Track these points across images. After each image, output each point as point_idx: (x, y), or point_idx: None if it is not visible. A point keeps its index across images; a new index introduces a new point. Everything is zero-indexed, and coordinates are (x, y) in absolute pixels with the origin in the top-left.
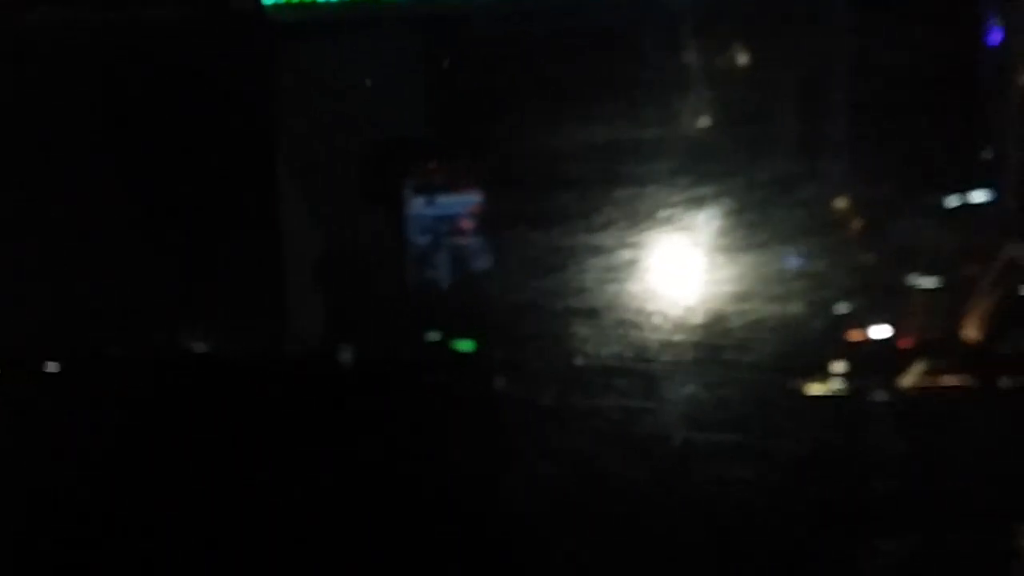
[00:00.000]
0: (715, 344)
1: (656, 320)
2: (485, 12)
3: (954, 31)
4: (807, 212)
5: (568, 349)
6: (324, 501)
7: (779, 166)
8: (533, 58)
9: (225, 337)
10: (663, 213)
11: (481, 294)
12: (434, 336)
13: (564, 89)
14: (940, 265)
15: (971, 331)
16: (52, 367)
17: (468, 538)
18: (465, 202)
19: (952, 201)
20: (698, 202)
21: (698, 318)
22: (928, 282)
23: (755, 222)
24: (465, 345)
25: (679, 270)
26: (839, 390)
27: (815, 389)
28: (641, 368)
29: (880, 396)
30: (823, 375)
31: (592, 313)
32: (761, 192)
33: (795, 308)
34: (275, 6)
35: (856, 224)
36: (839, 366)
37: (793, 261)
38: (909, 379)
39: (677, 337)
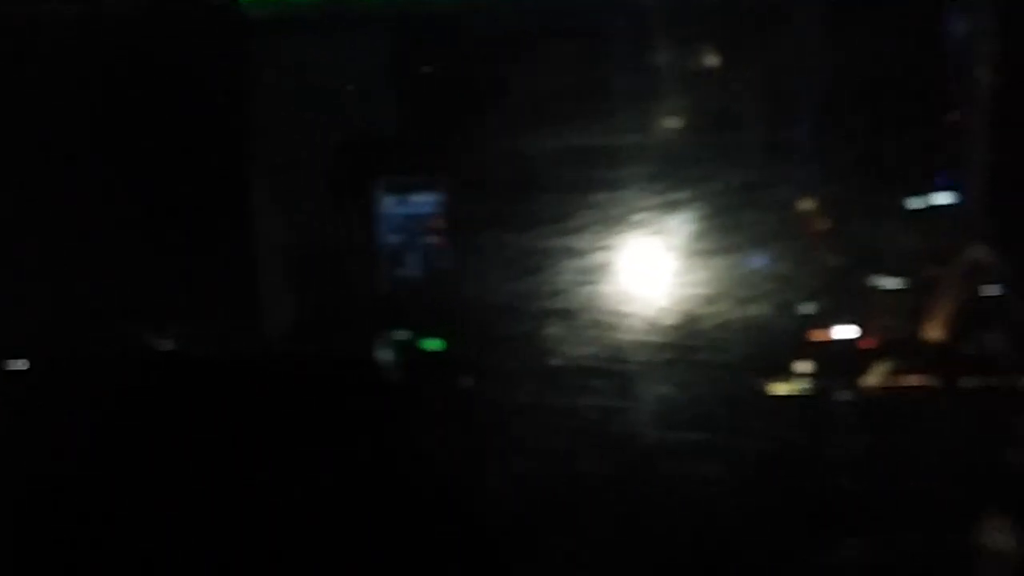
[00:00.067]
0: (685, 345)
1: (627, 321)
2: (461, 13)
3: (918, 35)
4: (774, 215)
5: (540, 349)
6: (295, 498)
7: (747, 171)
8: (510, 60)
9: (196, 335)
10: (635, 217)
11: (452, 294)
12: (404, 335)
13: (539, 93)
14: (904, 267)
15: (934, 332)
16: (20, 365)
17: (438, 536)
18: (437, 202)
19: (916, 203)
20: (669, 206)
21: (668, 320)
22: (892, 283)
23: (724, 226)
24: (435, 344)
25: (650, 273)
26: (805, 390)
27: (781, 389)
28: (613, 368)
29: (844, 396)
30: (789, 375)
31: (565, 314)
32: (730, 196)
33: (762, 309)
34: (249, 2)
35: (822, 226)
36: (805, 366)
37: (760, 263)
38: (873, 379)
39: (648, 338)
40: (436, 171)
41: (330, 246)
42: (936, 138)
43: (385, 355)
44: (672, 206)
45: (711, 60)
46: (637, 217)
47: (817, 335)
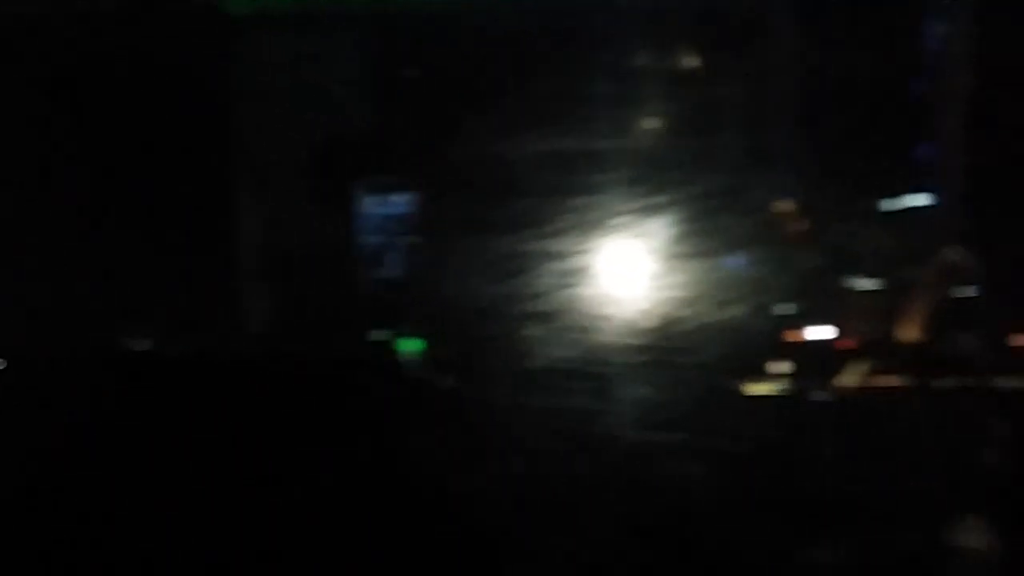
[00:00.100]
0: (664, 346)
1: (606, 324)
2: (443, 16)
3: (894, 40)
4: (752, 219)
5: (520, 350)
6: (275, 496)
7: (725, 175)
8: (492, 64)
9: (175, 335)
10: (615, 221)
11: (432, 294)
12: (384, 334)
13: (521, 96)
14: (880, 268)
15: (910, 332)
16: None
17: (414, 533)
18: (418, 203)
19: (891, 206)
20: (648, 210)
21: (648, 322)
22: (868, 285)
23: (702, 229)
24: (414, 344)
25: (629, 276)
26: (782, 390)
27: (759, 389)
28: (592, 370)
29: (821, 396)
30: (767, 376)
31: (545, 316)
32: (709, 200)
33: (740, 311)
34: (232, 2)
35: (799, 229)
36: (782, 367)
37: (738, 265)
38: (849, 379)
39: (627, 340)
40: (417, 173)
41: (311, 246)
42: (912, 142)
43: (365, 354)
44: (651, 210)
45: (690, 66)
46: (616, 221)
47: (794, 336)
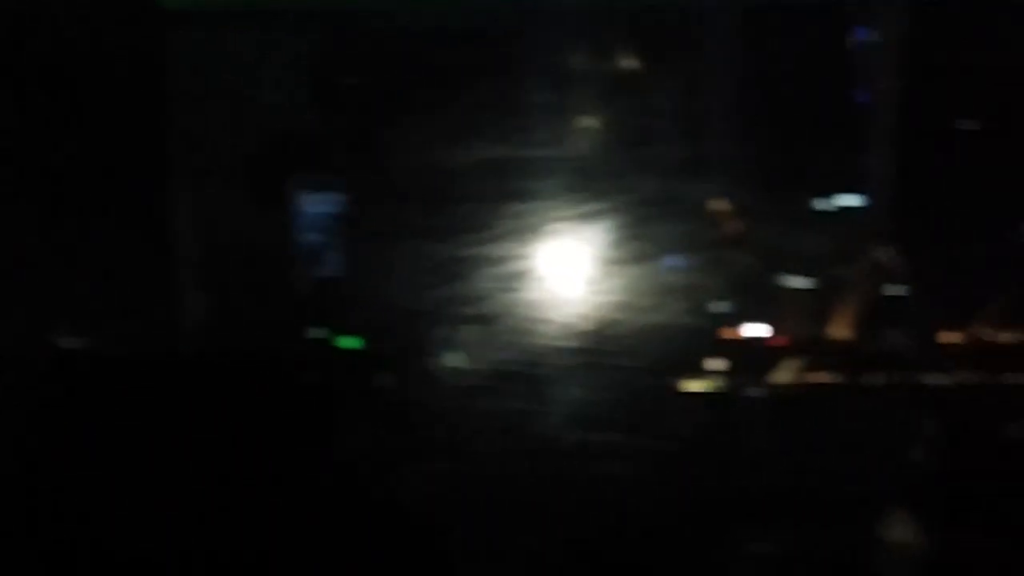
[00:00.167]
0: (600, 348)
1: (543, 327)
2: (381, 16)
3: (826, 45)
4: (686, 221)
5: (458, 351)
6: (211, 492)
7: (659, 178)
8: (425, 66)
9: (108, 334)
10: (551, 226)
11: (370, 293)
12: (321, 332)
13: (455, 100)
14: (812, 267)
15: (841, 330)
16: None
17: (350, 531)
18: (354, 202)
19: (823, 206)
20: (584, 216)
21: (584, 324)
22: (801, 283)
23: (638, 232)
24: (352, 342)
25: (565, 280)
26: (717, 387)
27: (694, 387)
28: (529, 371)
29: (755, 393)
30: (702, 373)
31: (482, 318)
32: (643, 204)
33: (676, 311)
34: None
35: (733, 230)
36: (717, 364)
37: (674, 267)
38: (783, 376)
39: (563, 342)
40: (355, 172)
41: (248, 243)
42: (843, 145)
43: (301, 353)
44: (588, 215)
45: (625, 72)
46: (552, 226)
47: (729, 334)
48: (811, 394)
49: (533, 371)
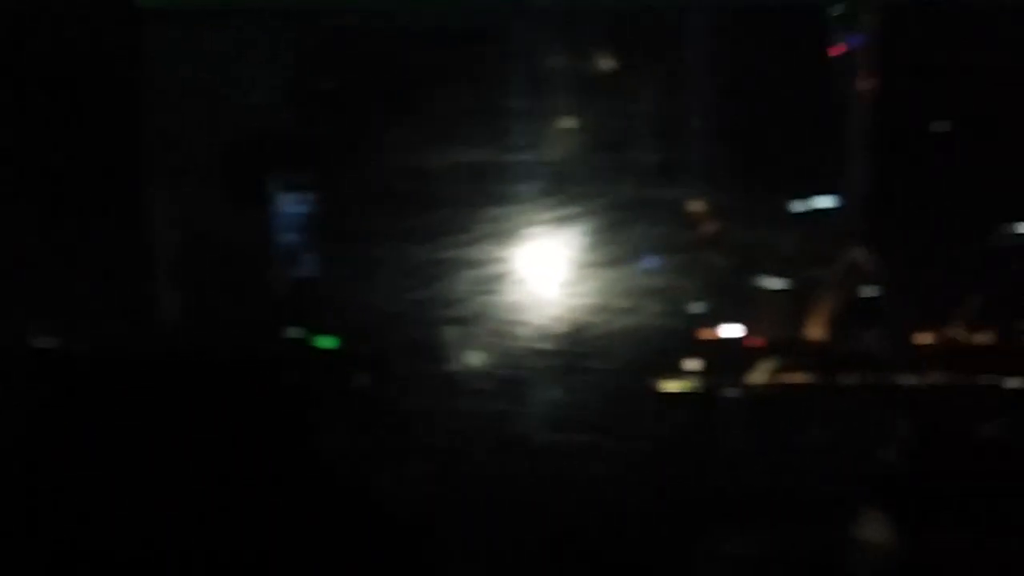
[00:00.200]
0: (577, 349)
1: (520, 328)
2: (363, 18)
3: (800, 43)
4: (663, 223)
5: (435, 350)
6: (187, 492)
7: (636, 180)
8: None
9: (85, 333)
10: (529, 230)
11: (347, 292)
12: (298, 332)
13: (437, 102)
14: (787, 269)
15: (816, 331)
16: None
17: (326, 531)
18: (331, 202)
19: (798, 208)
20: (562, 219)
21: (561, 326)
22: (776, 284)
23: (615, 235)
24: (328, 342)
25: (543, 282)
26: (694, 387)
27: (670, 388)
28: (506, 373)
29: (731, 393)
30: (679, 374)
31: (460, 320)
32: (620, 206)
33: (653, 312)
34: None
35: (709, 231)
36: (694, 364)
37: (651, 268)
38: (758, 376)
39: (541, 344)
40: (333, 172)
41: (225, 243)
42: (818, 145)
43: (279, 352)
44: (565, 217)
45: (602, 74)
46: (530, 229)
47: (705, 335)
48: (786, 394)
49: (511, 372)
